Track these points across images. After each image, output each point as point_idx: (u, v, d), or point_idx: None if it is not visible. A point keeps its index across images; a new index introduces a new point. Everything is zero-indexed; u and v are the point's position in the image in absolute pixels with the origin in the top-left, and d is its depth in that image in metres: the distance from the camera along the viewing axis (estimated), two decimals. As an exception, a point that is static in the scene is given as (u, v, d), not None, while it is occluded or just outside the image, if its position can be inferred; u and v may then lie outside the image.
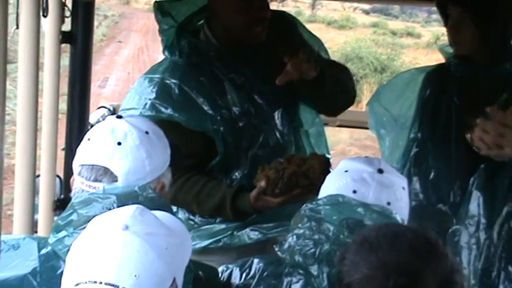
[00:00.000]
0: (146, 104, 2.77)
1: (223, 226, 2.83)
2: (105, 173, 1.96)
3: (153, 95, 2.78)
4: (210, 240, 2.83)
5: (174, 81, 2.79)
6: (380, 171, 2.08)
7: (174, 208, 2.85)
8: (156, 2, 2.91)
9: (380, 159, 2.18)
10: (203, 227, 2.85)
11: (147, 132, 2.02)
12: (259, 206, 2.66)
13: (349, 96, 3.03)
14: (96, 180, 1.96)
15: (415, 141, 3.03)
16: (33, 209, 2.87)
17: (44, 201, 3.01)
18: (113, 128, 2.00)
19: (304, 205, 2.06)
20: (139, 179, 1.96)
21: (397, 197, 2.07)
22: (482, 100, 2.81)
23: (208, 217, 2.86)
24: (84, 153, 2.01)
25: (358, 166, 2.10)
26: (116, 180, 1.95)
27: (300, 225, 2.00)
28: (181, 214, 2.87)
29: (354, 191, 2.04)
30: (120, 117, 2.05)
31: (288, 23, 3.03)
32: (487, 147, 2.39)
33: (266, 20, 2.80)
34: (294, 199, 2.61)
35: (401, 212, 2.06)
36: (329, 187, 2.11)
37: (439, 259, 1.59)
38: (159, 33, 2.89)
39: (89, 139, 2.02)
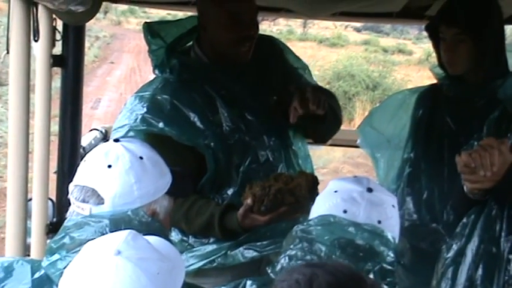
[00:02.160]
0: (137, 118, 2.76)
1: (216, 246, 2.81)
2: (92, 194, 1.96)
3: (144, 110, 2.77)
4: (204, 261, 2.81)
5: (165, 96, 2.79)
6: (369, 190, 2.07)
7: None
8: (145, 23, 2.92)
9: (369, 178, 2.18)
10: (196, 248, 2.83)
11: (141, 158, 2.01)
12: (246, 224, 2.65)
13: (339, 125, 3.07)
14: (83, 201, 1.97)
15: (409, 161, 3.03)
16: (26, 232, 2.86)
17: (36, 225, 3.01)
18: (107, 151, 2.01)
19: (296, 226, 2.05)
20: (126, 203, 1.95)
21: (388, 215, 2.07)
22: (475, 119, 2.82)
23: (200, 237, 2.85)
24: (78, 174, 2.03)
25: (348, 186, 2.10)
26: (103, 203, 1.95)
27: (291, 246, 2.00)
28: (175, 235, 2.86)
29: (345, 211, 2.03)
30: (117, 140, 2.06)
31: (275, 47, 3.05)
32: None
33: (253, 39, 2.81)
34: (281, 217, 2.60)
35: (392, 230, 2.06)
36: (319, 208, 2.11)
37: (359, 285, 1.56)
38: (149, 54, 2.90)
39: (85, 160, 2.04)
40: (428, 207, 2.94)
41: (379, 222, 2.03)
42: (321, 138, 3.15)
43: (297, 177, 2.65)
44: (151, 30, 2.88)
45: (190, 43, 2.93)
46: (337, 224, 2.00)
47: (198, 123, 2.78)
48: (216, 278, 2.83)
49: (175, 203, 2.71)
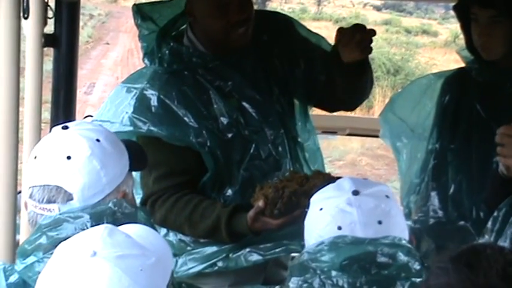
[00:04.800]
0: (123, 117, 2.76)
1: (217, 248, 2.81)
2: (58, 192, 1.94)
3: (131, 108, 2.77)
4: (205, 265, 2.82)
5: (153, 92, 2.79)
6: (355, 192, 2.03)
7: (164, 230, 2.85)
8: (135, 5, 2.89)
9: (349, 178, 2.12)
10: (196, 250, 2.84)
11: (98, 140, 1.99)
12: (257, 228, 2.65)
13: (371, 88, 3.02)
14: (49, 201, 1.94)
15: (433, 152, 3.02)
16: (15, 228, 2.87)
17: (26, 220, 3.01)
18: (60, 141, 1.99)
19: (300, 255, 2.00)
20: (96, 193, 1.95)
21: (385, 211, 2.03)
22: (507, 107, 2.81)
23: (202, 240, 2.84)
24: (33, 173, 1.99)
25: (330, 198, 2.06)
26: (72, 199, 1.94)
27: (305, 277, 1.93)
28: (172, 236, 2.86)
29: (339, 228, 1.99)
30: (66, 127, 2.02)
31: (282, 23, 3.01)
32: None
33: (248, 21, 2.78)
34: (295, 221, 2.58)
35: (397, 224, 2.04)
36: (311, 233, 2.06)
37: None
38: (139, 39, 2.88)
39: (35, 157, 2.00)
40: (456, 203, 2.93)
41: (380, 222, 2.01)
42: (354, 101, 3.07)
43: (312, 178, 2.64)
44: (141, 12, 2.85)
45: (185, 26, 2.90)
46: (352, 245, 1.96)
47: (190, 120, 2.77)
48: (217, 278, 2.85)
49: (175, 206, 2.73)
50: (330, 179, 2.63)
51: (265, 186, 2.64)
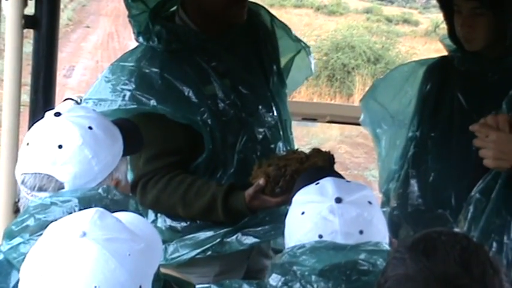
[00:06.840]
0: (125, 95, 2.74)
1: (210, 233, 2.80)
2: (49, 181, 1.97)
3: (132, 86, 2.75)
4: (198, 250, 2.80)
5: (154, 69, 2.77)
6: (338, 200, 2.03)
7: (152, 216, 2.84)
8: None
9: (333, 181, 2.11)
10: (188, 236, 2.82)
11: (90, 128, 2.01)
12: (255, 206, 2.65)
13: None
14: (40, 189, 1.97)
15: (414, 140, 3.03)
16: (-8, 212, 2.86)
17: (3, 203, 3.00)
18: (52, 129, 2.00)
19: (280, 256, 2.01)
20: (87, 182, 1.97)
21: (367, 220, 2.04)
22: (489, 95, 2.82)
23: (197, 220, 2.82)
24: (25, 160, 2.01)
25: (314, 203, 2.06)
26: (63, 188, 1.96)
27: (287, 278, 1.94)
28: (162, 222, 2.85)
29: (320, 236, 2.00)
30: (58, 114, 2.02)
31: (264, 19, 3.03)
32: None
33: (246, 1, 2.79)
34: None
35: (378, 233, 2.05)
36: (292, 235, 2.07)
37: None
38: (129, 19, 2.87)
39: (27, 144, 2.02)
40: (435, 191, 2.94)
41: (361, 232, 2.02)
42: None
43: (312, 156, 2.64)
44: None
45: (175, 8, 2.89)
46: (332, 250, 1.97)
47: (193, 99, 2.76)
48: (203, 267, 2.83)
49: (168, 186, 2.71)
50: (329, 158, 2.63)
51: (263, 165, 2.64)
